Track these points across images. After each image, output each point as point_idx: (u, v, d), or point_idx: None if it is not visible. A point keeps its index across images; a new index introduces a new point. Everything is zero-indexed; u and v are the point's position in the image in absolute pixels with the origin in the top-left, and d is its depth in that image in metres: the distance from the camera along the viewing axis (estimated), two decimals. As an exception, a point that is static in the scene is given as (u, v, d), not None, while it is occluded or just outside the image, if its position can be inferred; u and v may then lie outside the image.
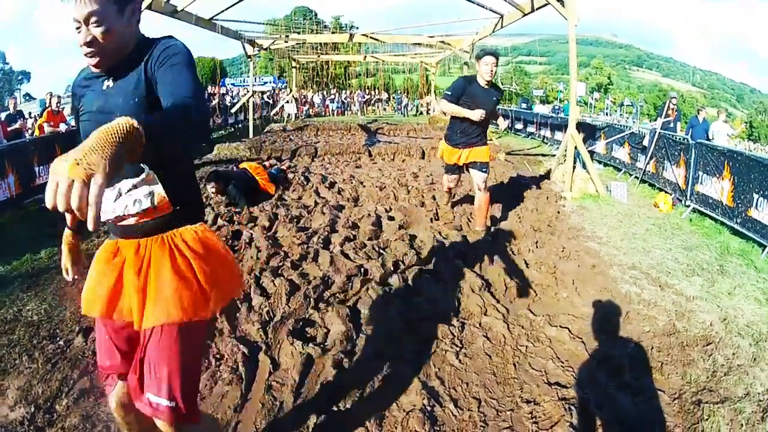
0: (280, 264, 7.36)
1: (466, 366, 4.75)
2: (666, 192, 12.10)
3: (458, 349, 5.09)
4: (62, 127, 16.31)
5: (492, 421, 4.08)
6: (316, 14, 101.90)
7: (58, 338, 6.41)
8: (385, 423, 4.10)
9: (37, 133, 16.19)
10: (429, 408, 4.13)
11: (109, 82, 2.86)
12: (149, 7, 14.10)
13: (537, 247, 7.66)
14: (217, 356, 5.39)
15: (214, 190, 10.12)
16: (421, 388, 4.38)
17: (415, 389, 4.36)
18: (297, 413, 4.38)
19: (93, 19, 2.52)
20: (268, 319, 5.95)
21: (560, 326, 5.37)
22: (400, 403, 4.24)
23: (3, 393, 5.36)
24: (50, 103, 17.37)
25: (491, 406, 4.23)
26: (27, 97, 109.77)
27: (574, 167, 12.09)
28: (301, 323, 5.77)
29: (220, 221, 9.87)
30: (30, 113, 20.81)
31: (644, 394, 4.57)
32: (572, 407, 4.17)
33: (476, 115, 8.10)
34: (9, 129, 15.20)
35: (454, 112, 8.34)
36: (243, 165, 11.81)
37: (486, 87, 8.45)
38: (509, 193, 10.99)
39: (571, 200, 10.93)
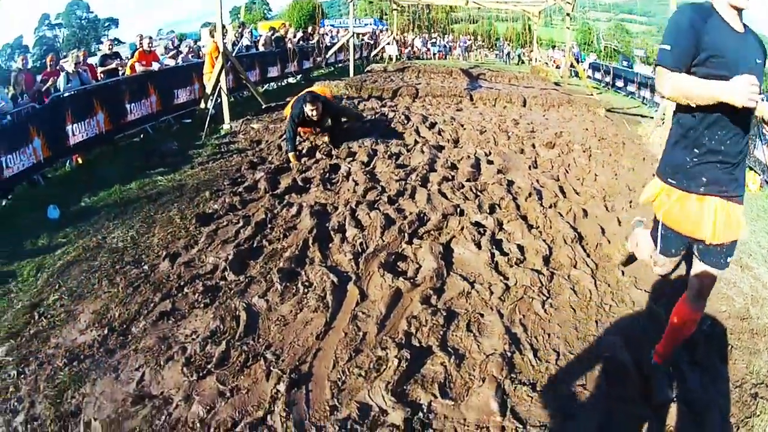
0: (377, 198, 7.40)
1: (550, 317, 4.67)
2: (755, 172, 11.38)
3: (545, 298, 4.98)
4: (154, 66, 16.13)
5: (567, 375, 4.02)
6: None
7: (142, 263, 6.55)
8: (464, 364, 4.14)
9: (128, 72, 15.93)
10: (509, 354, 4.11)
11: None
12: None
13: (630, 206, 7.34)
14: (306, 283, 5.45)
15: (315, 111, 9.65)
16: (504, 332, 4.35)
17: (498, 333, 4.34)
18: (378, 345, 4.39)
19: None
20: (360, 251, 5.97)
21: (644, 290, 5.19)
22: (482, 346, 4.21)
23: (75, 318, 5.56)
24: (141, 43, 17.29)
25: (568, 360, 4.15)
26: (116, 41, 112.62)
27: (672, 129, 11.35)
28: (393, 257, 5.85)
29: (318, 154, 9.87)
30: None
31: (710, 375, 4.43)
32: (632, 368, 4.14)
33: (743, 92, 3.29)
34: (100, 70, 15.27)
35: (693, 96, 3.60)
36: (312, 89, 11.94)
37: (740, 30, 3.72)
38: (608, 150, 10.60)
39: (667, 165, 10.21)
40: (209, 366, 4.42)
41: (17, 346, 5.27)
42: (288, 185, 8.38)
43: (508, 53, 48.58)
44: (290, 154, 9.83)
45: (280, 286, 5.39)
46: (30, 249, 7.98)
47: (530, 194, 7.33)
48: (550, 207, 7.00)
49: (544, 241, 5.96)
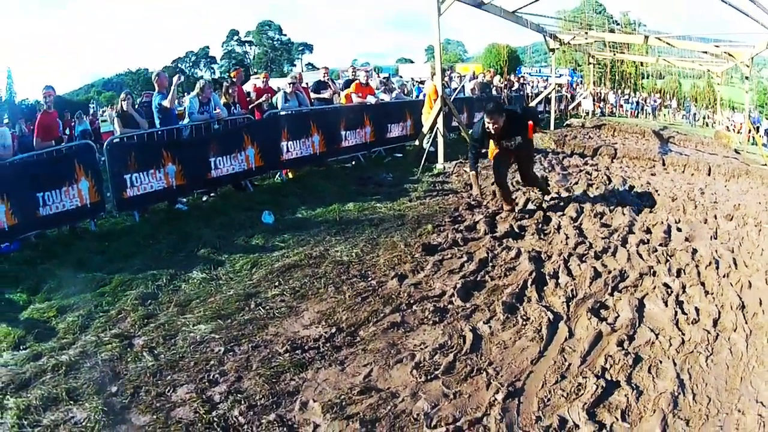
0: (585, 252, 7.98)
1: (709, 369, 5.21)
2: None
3: (708, 354, 5.46)
4: (370, 99, 16.71)
5: (712, 418, 4.52)
6: (604, 8, 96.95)
7: (369, 278, 7.31)
8: (642, 398, 4.72)
9: (343, 101, 16.56)
10: (675, 394, 4.74)
11: None
12: None
13: None
14: (524, 317, 6.13)
15: (494, 124, 8.88)
16: (675, 377, 4.98)
17: (670, 377, 4.99)
18: (580, 374, 5.03)
19: None
20: (571, 296, 6.60)
21: None
22: (656, 386, 4.88)
23: (298, 313, 6.40)
24: (358, 75, 17.88)
25: (715, 406, 4.69)
26: (309, 67, 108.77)
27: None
28: (597, 305, 6.43)
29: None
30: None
31: None
32: (764, 425, 4.47)
33: None
34: (314, 96, 15.90)
35: None
36: None
37: None
38: None
39: None
40: (437, 372, 5.04)
41: (225, 327, 6.12)
42: (506, 230, 8.98)
43: (694, 114, 46.91)
44: (471, 173, 9.67)
45: (503, 316, 6.08)
46: (243, 245, 8.99)
47: (710, 263, 7.73)
48: (724, 276, 7.39)
49: (716, 306, 6.43)
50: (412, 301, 6.51)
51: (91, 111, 31.63)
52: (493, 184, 10.56)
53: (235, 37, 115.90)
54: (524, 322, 6.02)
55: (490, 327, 5.92)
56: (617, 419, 4.47)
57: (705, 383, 5.03)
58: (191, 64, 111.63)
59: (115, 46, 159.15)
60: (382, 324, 5.99)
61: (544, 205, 9.77)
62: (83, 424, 4.55)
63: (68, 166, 10.10)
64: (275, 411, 4.63)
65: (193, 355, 5.56)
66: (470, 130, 10.82)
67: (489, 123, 8.87)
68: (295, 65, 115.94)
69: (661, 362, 5.30)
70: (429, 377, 4.99)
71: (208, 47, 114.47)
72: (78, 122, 22.03)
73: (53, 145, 10.91)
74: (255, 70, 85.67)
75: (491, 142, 9.92)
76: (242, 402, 4.72)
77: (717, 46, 24.59)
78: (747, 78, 25.08)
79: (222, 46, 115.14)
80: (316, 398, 4.74)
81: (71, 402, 4.85)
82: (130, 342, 5.93)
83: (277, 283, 7.27)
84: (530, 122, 9.47)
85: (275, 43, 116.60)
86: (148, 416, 4.62)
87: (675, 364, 5.25)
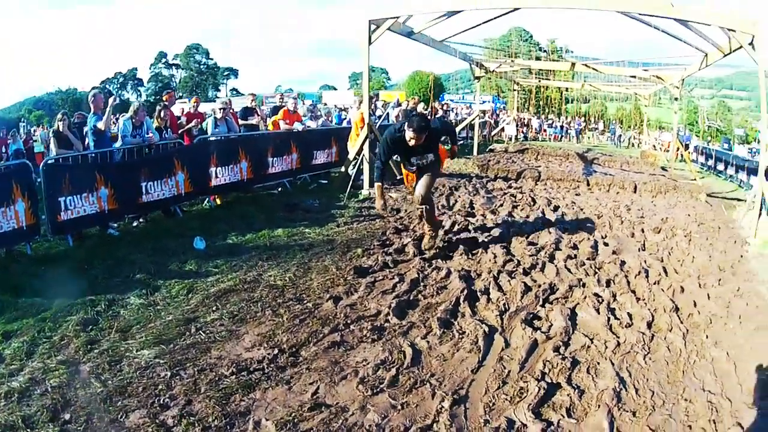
0: (514, 269, 8.29)
1: (649, 366, 5.55)
2: None
3: (645, 353, 5.81)
4: (297, 126, 16.93)
5: (658, 408, 4.82)
6: (531, 36, 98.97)
7: (305, 301, 7.43)
8: (584, 396, 5.01)
9: (271, 128, 16.92)
10: (617, 390, 5.02)
11: None
12: (389, 28, 15.09)
13: (719, 284, 7.99)
14: (460, 331, 6.37)
15: (415, 141, 8.38)
16: (614, 375, 5.28)
17: (610, 376, 5.27)
18: (520, 380, 5.26)
19: None
20: (504, 309, 6.87)
21: (722, 349, 5.91)
22: (597, 384, 5.15)
23: (239, 337, 6.45)
24: (285, 102, 18.44)
25: (659, 398, 5.00)
26: (233, 92, 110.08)
27: (759, 215, 11.86)
28: (530, 316, 6.76)
29: (456, 227, 10.80)
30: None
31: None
32: (716, 410, 4.84)
33: None
34: (241, 123, 16.04)
35: None
36: None
37: None
38: (705, 234, 11.23)
39: (755, 246, 10.76)
40: (382, 386, 5.19)
41: (169, 352, 6.09)
42: (434, 253, 9.22)
43: (620, 136, 48.33)
44: (376, 185, 9.12)
45: (439, 331, 6.29)
46: (177, 270, 8.97)
47: (639, 272, 8.19)
48: (655, 284, 7.84)
49: (648, 310, 6.83)
50: (349, 321, 6.70)
51: (22, 129, 31.36)
52: (419, 209, 10.58)
53: (163, 60, 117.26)
54: (461, 336, 6.27)
55: (428, 342, 6.12)
56: (563, 416, 4.71)
57: (646, 378, 5.33)
58: (119, 85, 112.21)
59: (46, 64, 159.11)
60: (322, 344, 6.13)
61: (470, 227, 9.66)
62: None
63: (5, 186, 9.81)
64: (229, 431, 4.71)
65: (140, 380, 5.55)
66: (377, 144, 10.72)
67: (412, 138, 8.43)
68: (219, 90, 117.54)
69: (599, 363, 5.60)
70: (375, 391, 5.14)
71: (136, 69, 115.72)
72: (12, 141, 21.79)
73: None
74: (180, 94, 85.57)
75: (401, 166, 9.93)
76: (196, 425, 4.75)
77: (646, 70, 25.62)
78: (677, 99, 26.08)
79: (150, 68, 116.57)
80: (268, 417, 4.83)
81: (28, 430, 4.80)
82: (76, 368, 5.86)
83: (214, 308, 7.35)
84: (445, 146, 9.58)
85: (201, 66, 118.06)
86: None
87: (613, 364, 5.55)
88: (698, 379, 5.36)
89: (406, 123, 8.50)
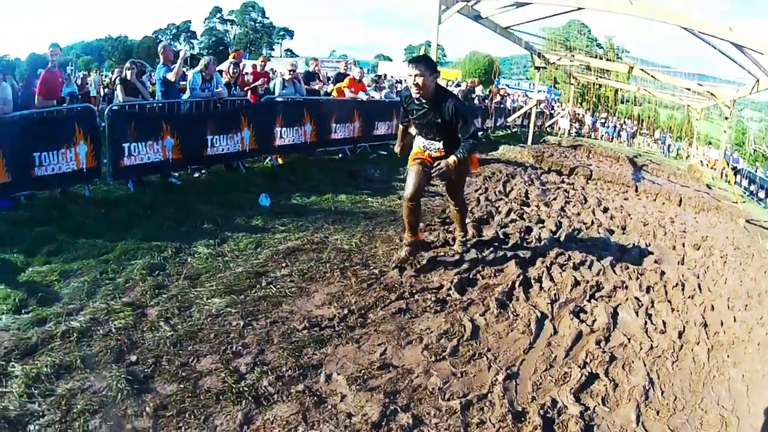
0: (565, 263, 8.70)
1: (675, 372, 6.05)
2: None
3: (673, 360, 6.29)
4: (361, 96, 17.43)
5: (678, 412, 5.35)
6: (589, 30, 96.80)
7: (371, 267, 7.82)
8: (618, 389, 5.55)
9: (335, 94, 17.15)
10: (646, 389, 5.58)
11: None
12: (459, 11, 15.60)
13: (745, 309, 8.34)
14: (514, 313, 6.86)
15: (415, 82, 7.05)
16: (645, 375, 5.81)
17: (641, 375, 5.79)
18: (564, 365, 5.83)
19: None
20: (554, 299, 7.34)
21: (739, 371, 6.37)
22: (630, 380, 5.70)
23: (309, 294, 6.82)
24: (350, 70, 19.10)
25: (681, 402, 5.53)
26: (288, 53, 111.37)
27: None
28: (577, 308, 7.19)
29: (512, 215, 11.38)
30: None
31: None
32: (725, 425, 5.33)
33: None
34: (306, 88, 16.18)
35: None
36: None
37: None
38: (740, 259, 11.54)
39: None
40: (444, 354, 5.65)
41: (240, 302, 6.41)
42: (492, 236, 9.71)
43: (669, 146, 47.60)
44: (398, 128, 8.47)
45: (496, 311, 6.78)
46: (244, 225, 9.31)
47: (676, 284, 8.55)
48: (689, 297, 8.24)
49: (681, 321, 7.25)
50: (414, 291, 7.12)
51: (69, 72, 31.86)
52: (476, 190, 11.34)
53: (218, 15, 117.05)
54: (515, 318, 6.73)
55: (485, 319, 6.59)
56: (599, 404, 5.20)
57: (671, 383, 5.84)
58: (171, 36, 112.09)
59: (94, 10, 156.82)
60: (389, 309, 6.54)
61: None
62: (104, 393, 4.66)
63: (68, 128, 10.20)
64: (302, 382, 5.00)
65: (211, 327, 5.83)
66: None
67: (411, 75, 7.07)
68: (273, 49, 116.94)
69: (633, 362, 6.09)
70: (438, 358, 5.60)
71: (189, 21, 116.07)
72: (66, 84, 22.39)
73: (55, 105, 11.12)
74: (234, 48, 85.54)
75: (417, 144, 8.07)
76: (269, 373, 5.05)
77: (700, 84, 25.64)
78: (727, 118, 26.07)
79: (204, 22, 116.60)
80: (339, 371, 5.18)
81: (87, 370, 4.93)
82: (143, 312, 6.09)
83: (284, 264, 7.69)
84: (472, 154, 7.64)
85: (257, 25, 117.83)
86: (175, 385, 4.82)
87: (645, 365, 6.05)
88: (715, 393, 5.82)
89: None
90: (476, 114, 24.18)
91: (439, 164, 7.11)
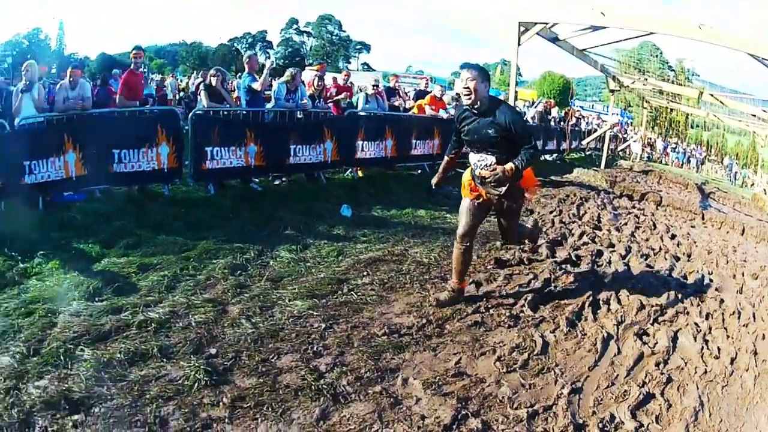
0: (633, 286, 9.05)
1: (724, 396, 6.48)
2: None
3: (724, 385, 6.66)
4: (442, 114, 18.02)
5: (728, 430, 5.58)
6: (661, 52, 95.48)
7: (449, 281, 7.94)
8: (671, 409, 5.90)
9: (415, 111, 18.04)
10: (697, 410, 6.04)
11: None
12: (538, 33, 16.50)
13: None
14: (582, 332, 7.36)
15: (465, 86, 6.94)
16: (697, 397, 6.20)
17: (693, 397, 6.18)
18: (624, 384, 6.17)
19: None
20: (620, 321, 7.76)
21: None
22: (683, 402, 6.15)
23: (389, 303, 7.36)
24: (432, 88, 19.53)
25: (725, 426, 5.90)
26: (365, 66, 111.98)
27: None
28: (641, 331, 7.57)
29: (585, 238, 12.11)
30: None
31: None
32: None
33: None
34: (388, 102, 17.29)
35: None
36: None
37: None
38: None
39: None
40: (515, 366, 6.09)
41: (321, 306, 6.93)
42: (565, 257, 10.33)
43: (735, 173, 47.63)
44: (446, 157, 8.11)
45: (565, 329, 7.28)
46: (326, 233, 9.99)
47: (733, 312, 8.91)
48: (744, 326, 8.62)
49: (734, 348, 7.67)
50: (489, 306, 7.64)
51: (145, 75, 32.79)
52: (551, 212, 11.88)
53: (294, 26, 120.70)
54: (582, 336, 7.19)
55: (555, 336, 7.08)
56: (653, 421, 5.56)
57: (719, 407, 6.29)
58: (247, 45, 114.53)
59: (168, 14, 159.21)
60: (465, 321, 7.08)
61: (596, 240, 10.00)
62: (180, 381, 5.08)
63: (151, 129, 11.21)
64: (380, 384, 5.43)
65: (293, 327, 6.34)
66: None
67: (462, 79, 7.05)
68: (350, 62, 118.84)
69: (687, 384, 6.52)
70: (509, 369, 6.03)
71: (265, 31, 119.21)
72: (144, 86, 23.49)
73: (136, 105, 12.24)
74: (310, 61, 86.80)
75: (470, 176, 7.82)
76: (348, 374, 5.48)
77: (765, 111, 26.15)
78: (789, 146, 25.88)
79: (280, 33, 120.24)
80: (415, 376, 5.59)
81: (164, 359, 5.38)
82: (224, 308, 6.66)
83: (365, 273, 8.29)
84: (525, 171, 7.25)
85: (333, 38, 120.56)
86: (254, 379, 5.24)
87: (698, 388, 6.48)
88: (755, 419, 6.24)
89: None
90: (532, 131, 24.59)
91: (494, 169, 6.87)
